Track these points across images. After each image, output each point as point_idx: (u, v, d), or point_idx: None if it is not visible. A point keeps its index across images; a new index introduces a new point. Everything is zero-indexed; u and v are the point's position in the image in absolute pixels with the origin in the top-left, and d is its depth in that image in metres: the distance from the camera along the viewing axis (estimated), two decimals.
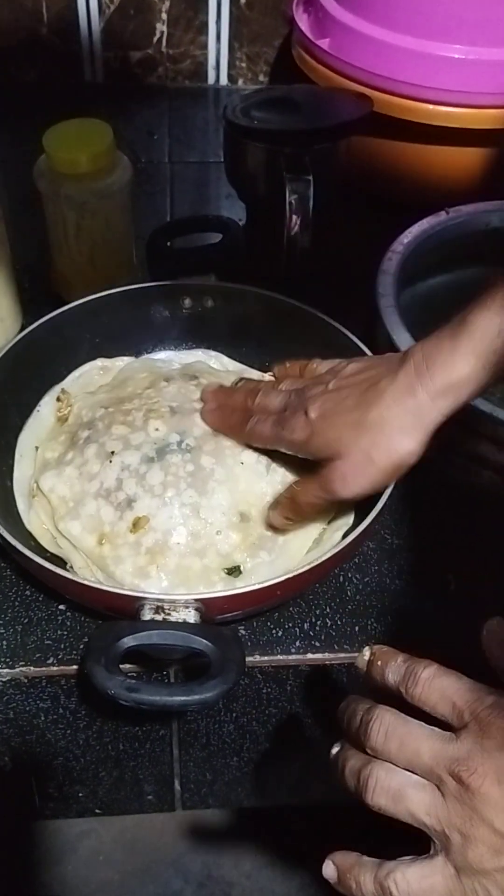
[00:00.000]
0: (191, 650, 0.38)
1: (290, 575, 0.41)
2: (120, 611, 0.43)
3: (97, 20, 0.87)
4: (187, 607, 0.40)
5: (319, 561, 0.42)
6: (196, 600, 0.40)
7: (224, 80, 0.93)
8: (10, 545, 0.43)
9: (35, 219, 0.62)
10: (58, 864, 0.94)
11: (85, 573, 0.47)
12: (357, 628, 0.47)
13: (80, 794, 0.56)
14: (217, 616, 0.43)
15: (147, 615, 0.40)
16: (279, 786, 0.58)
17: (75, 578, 0.41)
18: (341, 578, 0.50)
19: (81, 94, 0.92)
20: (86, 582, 0.41)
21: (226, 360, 0.59)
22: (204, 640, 0.37)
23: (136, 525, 0.46)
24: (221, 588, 0.45)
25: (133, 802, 0.58)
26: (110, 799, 0.57)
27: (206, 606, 0.41)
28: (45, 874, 0.93)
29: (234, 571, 0.46)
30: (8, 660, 0.45)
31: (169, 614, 0.40)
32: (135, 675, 0.44)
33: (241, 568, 0.46)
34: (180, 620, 0.40)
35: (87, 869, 0.94)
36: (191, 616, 0.40)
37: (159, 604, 0.40)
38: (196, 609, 0.40)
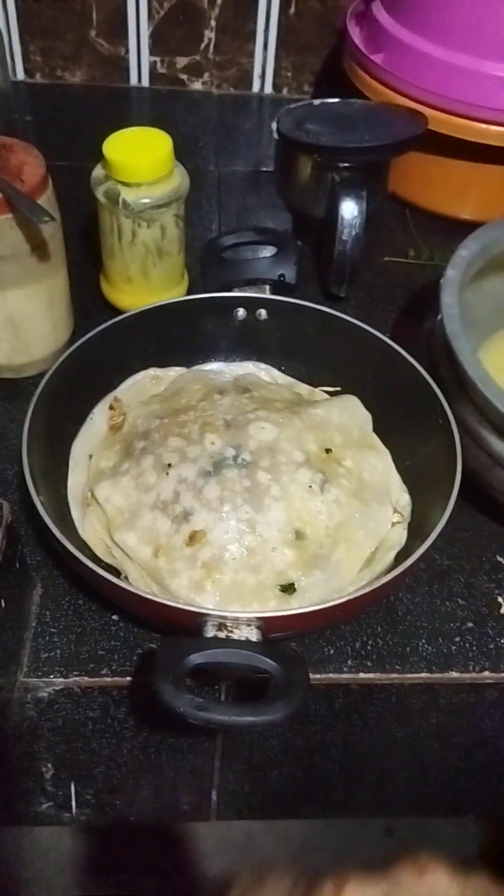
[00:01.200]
0: (256, 669, 0.38)
1: (351, 597, 0.41)
2: (179, 625, 0.43)
3: (146, 24, 0.87)
4: (249, 625, 0.40)
5: (380, 584, 0.42)
6: (258, 619, 0.40)
7: (269, 89, 0.93)
8: (70, 553, 0.43)
9: (86, 223, 0.62)
10: (77, 861, 0.94)
11: (139, 584, 0.47)
12: (408, 649, 0.48)
13: (118, 802, 0.56)
14: (274, 634, 0.43)
15: (210, 632, 0.40)
16: (314, 801, 0.58)
17: (139, 592, 0.41)
18: (392, 598, 0.50)
19: (126, 98, 0.92)
20: (150, 597, 0.41)
21: (276, 372, 0.59)
22: (269, 661, 0.37)
23: (193, 539, 0.46)
24: (275, 605, 0.46)
25: (168, 811, 0.58)
26: (147, 807, 0.57)
27: (267, 625, 0.41)
28: (60, 875, 0.94)
29: (288, 589, 0.46)
30: (62, 669, 0.45)
31: (231, 632, 0.40)
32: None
33: (296, 585, 0.46)
34: (242, 638, 0.40)
35: None
36: (252, 634, 0.40)
37: (222, 621, 0.40)
38: (257, 627, 0.40)
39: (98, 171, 0.58)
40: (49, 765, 0.52)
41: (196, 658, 0.37)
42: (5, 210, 0.49)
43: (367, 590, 0.42)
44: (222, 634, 0.40)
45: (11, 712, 0.45)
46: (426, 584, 0.51)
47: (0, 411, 0.58)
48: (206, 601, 0.45)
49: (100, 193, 0.58)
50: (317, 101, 0.68)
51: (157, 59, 0.90)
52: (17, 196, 0.48)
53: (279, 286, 0.58)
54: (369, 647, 0.48)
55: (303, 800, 0.58)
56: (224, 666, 0.38)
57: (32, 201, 0.49)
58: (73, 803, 0.56)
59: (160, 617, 0.43)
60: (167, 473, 0.48)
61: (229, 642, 0.39)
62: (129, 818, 0.59)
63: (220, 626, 0.40)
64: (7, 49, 0.67)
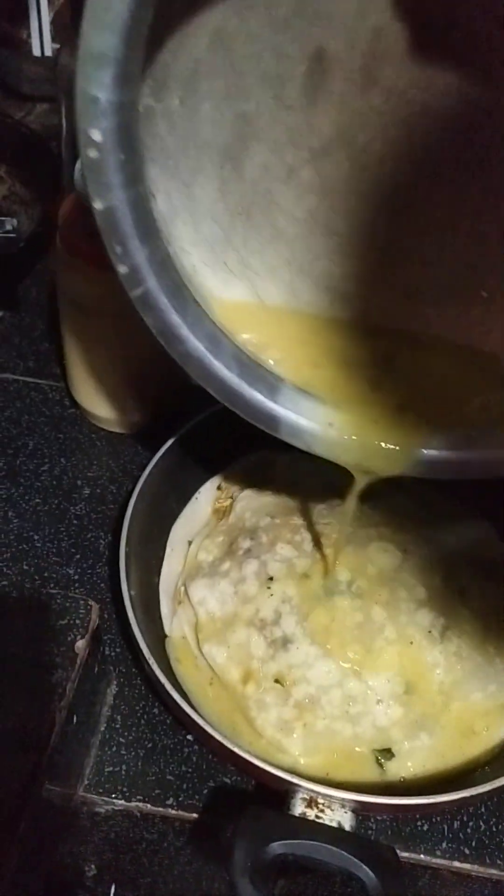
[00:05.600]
0: (345, 872, 0.33)
1: (466, 794, 0.35)
2: (261, 781, 0.38)
3: None
4: (343, 807, 0.35)
5: (500, 784, 0.36)
6: (356, 801, 0.35)
7: None
8: (154, 673, 0.39)
9: None
10: None
11: (220, 709, 0.42)
12: None
13: None
14: (368, 814, 0.37)
15: (297, 808, 0.35)
16: None
17: (225, 742, 0.36)
18: None
19: None
20: (237, 750, 0.36)
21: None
22: (366, 868, 0.32)
23: (289, 671, 0.41)
24: (369, 766, 0.40)
25: None
26: None
27: (363, 807, 0.35)
28: None
29: (385, 754, 0.40)
30: (125, 790, 0.41)
31: (322, 812, 0.35)
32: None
33: (395, 750, 0.40)
34: (333, 823, 0.34)
35: None
36: (346, 819, 0.35)
37: (313, 796, 0.35)
38: (353, 810, 0.35)
39: None
40: (93, 866, 0.48)
41: (278, 847, 0.32)
42: None
43: (487, 788, 0.36)
44: (311, 814, 0.34)
45: (64, 821, 0.42)
46: None
47: (104, 469, 0.54)
48: (292, 746, 0.40)
49: None
50: None
51: None
52: None
53: None
54: (469, 831, 0.41)
55: None
56: (308, 859, 0.33)
57: None
58: None
59: (240, 767, 0.38)
60: (269, 588, 0.43)
61: (319, 829, 0.34)
62: None
63: (311, 803, 0.35)
64: None
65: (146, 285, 0.30)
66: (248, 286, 0.37)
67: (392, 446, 0.37)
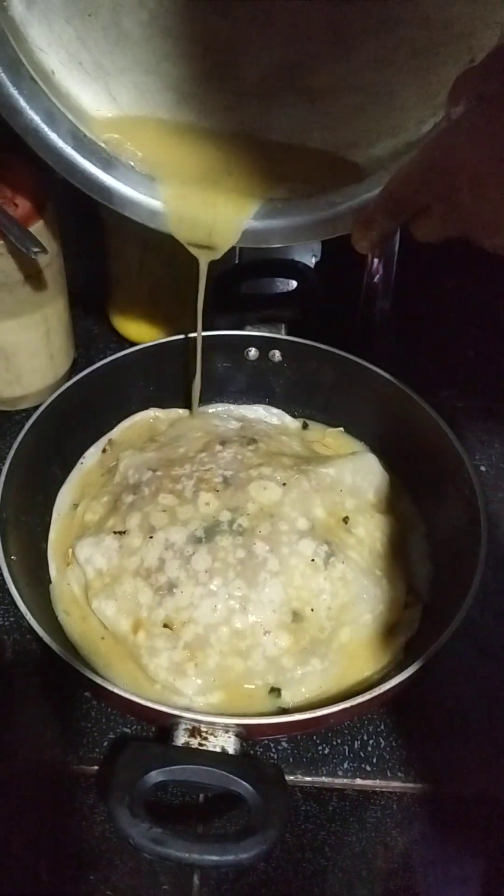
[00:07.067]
0: (228, 791, 0.33)
1: (346, 705, 0.36)
2: (149, 720, 0.38)
3: None
4: (227, 732, 0.35)
5: (381, 691, 0.37)
6: (238, 725, 0.35)
7: None
8: (34, 630, 0.39)
9: (98, 247, 0.58)
10: None
11: (115, 660, 0.42)
12: (415, 754, 0.42)
13: (91, 877, 0.52)
14: (258, 738, 0.38)
15: (180, 738, 0.35)
16: (306, 894, 0.53)
17: (104, 684, 0.36)
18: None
19: None
20: (117, 691, 0.36)
21: (287, 419, 0.54)
22: (244, 783, 0.32)
23: (177, 615, 0.42)
24: (263, 696, 0.41)
25: (148, 890, 0.54)
26: (123, 885, 0.53)
27: (248, 731, 0.36)
28: None
29: (275, 692, 0.41)
30: (25, 749, 0.41)
31: (206, 739, 0.35)
32: (160, 806, 0.39)
33: (286, 678, 0.41)
34: (217, 749, 0.35)
35: None
36: (230, 744, 0.35)
37: (195, 725, 0.35)
38: (237, 735, 0.35)
39: None
40: (14, 839, 0.48)
41: (157, 776, 0.33)
42: None
43: (366, 698, 0.36)
44: (195, 742, 0.35)
45: None
46: (440, 678, 0.45)
47: None
48: (186, 686, 0.40)
49: (105, 215, 0.53)
50: None
51: None
52: (6, 222, 0.44)
53: (297, 324, 0.53)
54: (370, 748, 0.42)
55: (293, 891, 0.53)
56: (192, 784, 0.33)
57: (23, 229, 0.44)
58: (45, 875, 0.52)
59: (130, 711, 0.39)
60: (151, 536, 0.44)
61: (200, 755, 0.34)
62: (106, 892, 0.55)
63: (194, 732, 0.35)
64: None
65: None
66: (102, 87, 0.40)
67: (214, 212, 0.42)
